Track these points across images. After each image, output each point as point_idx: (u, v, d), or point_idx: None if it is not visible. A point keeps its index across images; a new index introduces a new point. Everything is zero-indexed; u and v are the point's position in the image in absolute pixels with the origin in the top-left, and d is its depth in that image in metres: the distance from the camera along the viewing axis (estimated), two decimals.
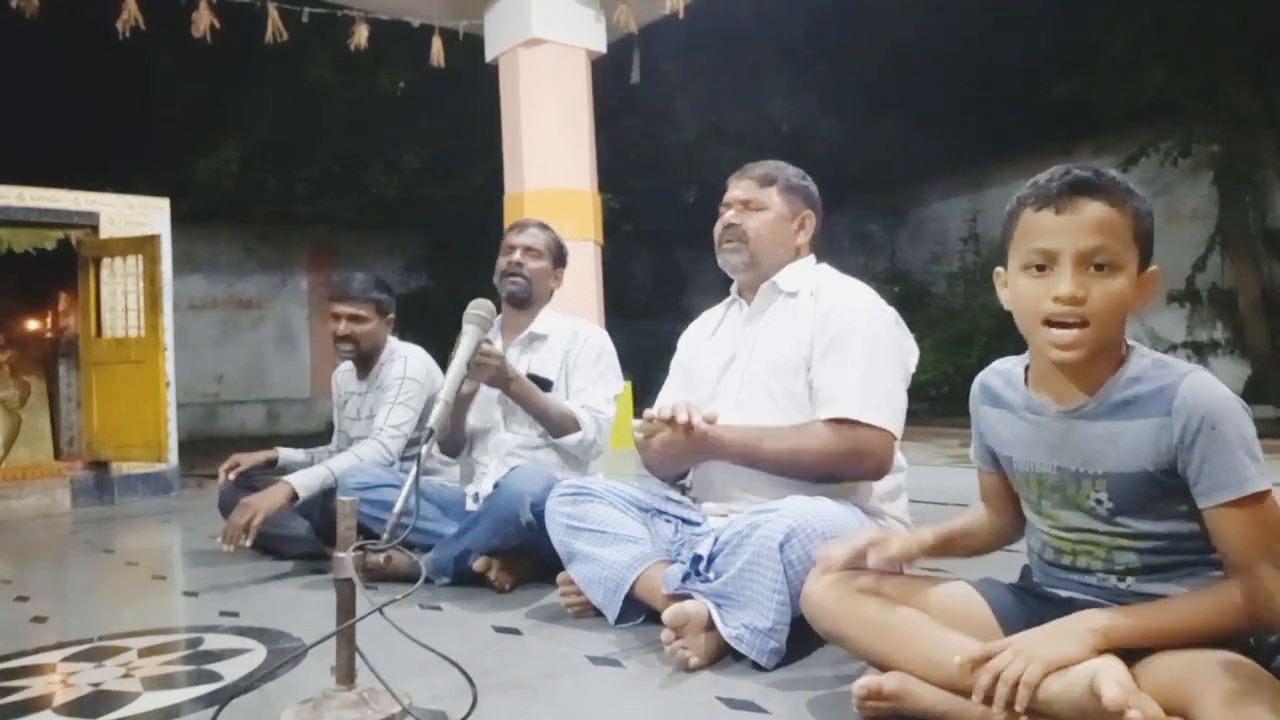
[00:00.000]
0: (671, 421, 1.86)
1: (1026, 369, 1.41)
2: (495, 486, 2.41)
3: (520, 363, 2.61)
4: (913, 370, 2.00)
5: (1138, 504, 1.29)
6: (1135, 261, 1.25)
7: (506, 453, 2.59)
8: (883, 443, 1.87)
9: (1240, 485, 1.19)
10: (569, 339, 2.66)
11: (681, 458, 1.95)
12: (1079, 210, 1.24)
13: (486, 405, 2.61)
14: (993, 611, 1.44)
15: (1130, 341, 1.32)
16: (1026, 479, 1.41)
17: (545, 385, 2.55)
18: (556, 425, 2.50)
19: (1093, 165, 1.28)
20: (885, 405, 1.87)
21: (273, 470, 3.11)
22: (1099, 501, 1.31)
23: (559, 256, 2.79)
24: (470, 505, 2.60)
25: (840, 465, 1.86)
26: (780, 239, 2.08)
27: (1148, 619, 1.24)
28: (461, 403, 2.49)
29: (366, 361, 3.15)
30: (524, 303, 2.70)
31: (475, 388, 2.47)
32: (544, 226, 2.80)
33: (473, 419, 2.64)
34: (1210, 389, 1.23)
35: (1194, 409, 1.22)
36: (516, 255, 2.69)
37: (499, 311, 2.48)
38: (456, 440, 2.65)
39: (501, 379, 2.38)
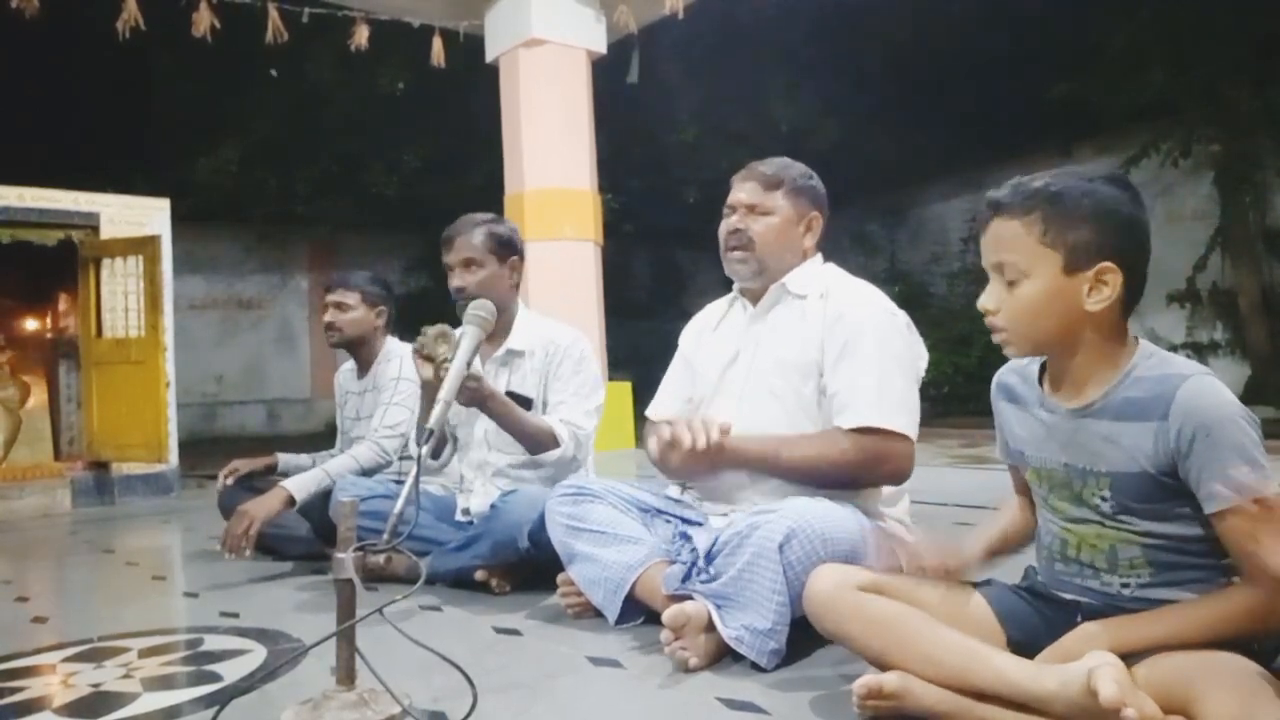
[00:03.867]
0: (693, 447, 1.81)
1: (1043, 366, 1.42)
2: (493, 508, 2.40)
3: (498, 380, 2.53)
4: (923, 373, 2.00)
5: (1139, 504, 1.29)
6: (1053, 265, 1.28)
7: (494, 472, 2.55)
8: (902, 448, 1.86)
9: (1236, 493, 1.19)
10: (546, 350, 2.53)
11: (700, 470, 1.94)
12: (987, 229, 1.35)
13: (469, 419, 2.54)
14: (995, 613, 1.44)
15: (1140, 339, 1.33)
16: (1038, 474, 1.42)
17: (525, 403, 2.47)
18: (534, 442, 2.41)
19: (1022, 178, 1.33)
20: (902, 410, 1.87)
21: (272, 475, 3.11)
22: (1103, 499, 1.32)
23: (505, 248, 2.56)
24: (460, 516, 2.58)
25: (860, 472, 1.86)
26: (787, 244, 2.06)
27: (1152, 630, 1.25)
28: (429, 386, 2.33)
29: (357, 355, 3.17)
30: None
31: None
32: (476, 224, 2.56)
33: (458, 434, 2.59)
34: (1207, 395, 1.22)
35: (1189, 415, 1.22)
36: (454, 279, 2.51)
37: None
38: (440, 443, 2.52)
39: (479, 397, 2.28)
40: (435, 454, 2.59)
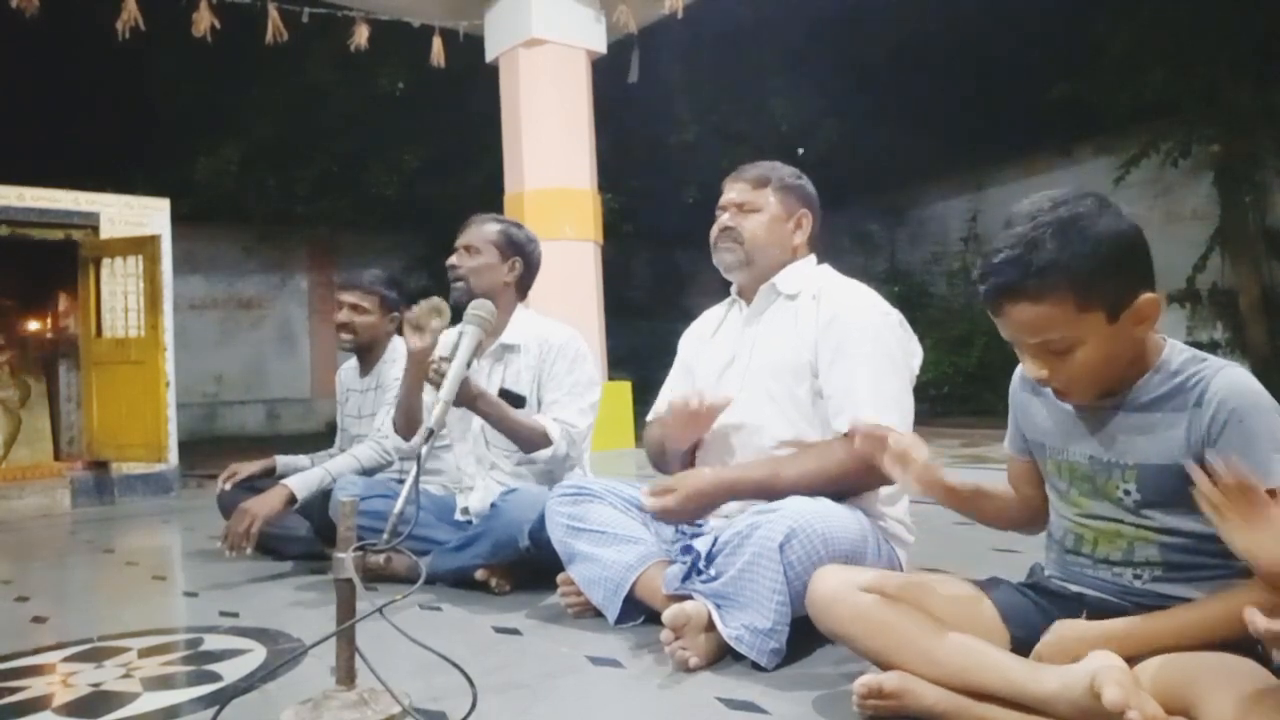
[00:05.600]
0: (687, 411, 1.88)
1: None
2: (493, 507, 2.39)
3: (493, 375, 2.53)
4: (917, 372, 2.00)
5: (1165, 497, 1.29)
6: (1098, 322, 1.24)
7: (490, 466, 2.55)
8: None
9: (1263, 480, 1.16)
10: (540, 347, 2.52)
11: (704, 508, 1.94)
12: (1006, 314, 1.28)
13: (466, 416, 2.52)
14: (998, 611, 1.44)
15: (1166, 337, 1.32)
16: (1058, 467, 1.42)
17: (518, 401, 2.47)
18: (525, 441, 2.41)
19: (1013, 251, 1.24)
20: (896, 409, 1.87)
21: (271, 478, 3.11)
22: (1126, 492, 1.32)
23: (510, 247, 2.59)
24: (459, 516, 2.58)
25: (858, 478, 1.85)
26: (776, 239, 2.07)
27: (1155, 630, 1.24)
28: (412, 394, 2.40)
29: (366, 356, 3.16)
30: None
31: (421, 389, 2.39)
32: (494, 219, 2.64)
33: (455, 430, 2.60)
34: (1242, 384, 1.23)
35: (1223, 402, 1.22)
36: (453, 258, 2.57)
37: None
38: (410, 427, 2.48)
39: (467, 397, 2.27)
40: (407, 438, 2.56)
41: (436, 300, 2.27)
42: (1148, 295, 1.25)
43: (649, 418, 2.30)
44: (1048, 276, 1.22)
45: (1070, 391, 1.33)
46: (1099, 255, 1.22)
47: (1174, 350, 1.31)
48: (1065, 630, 1.30)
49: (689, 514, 1.94)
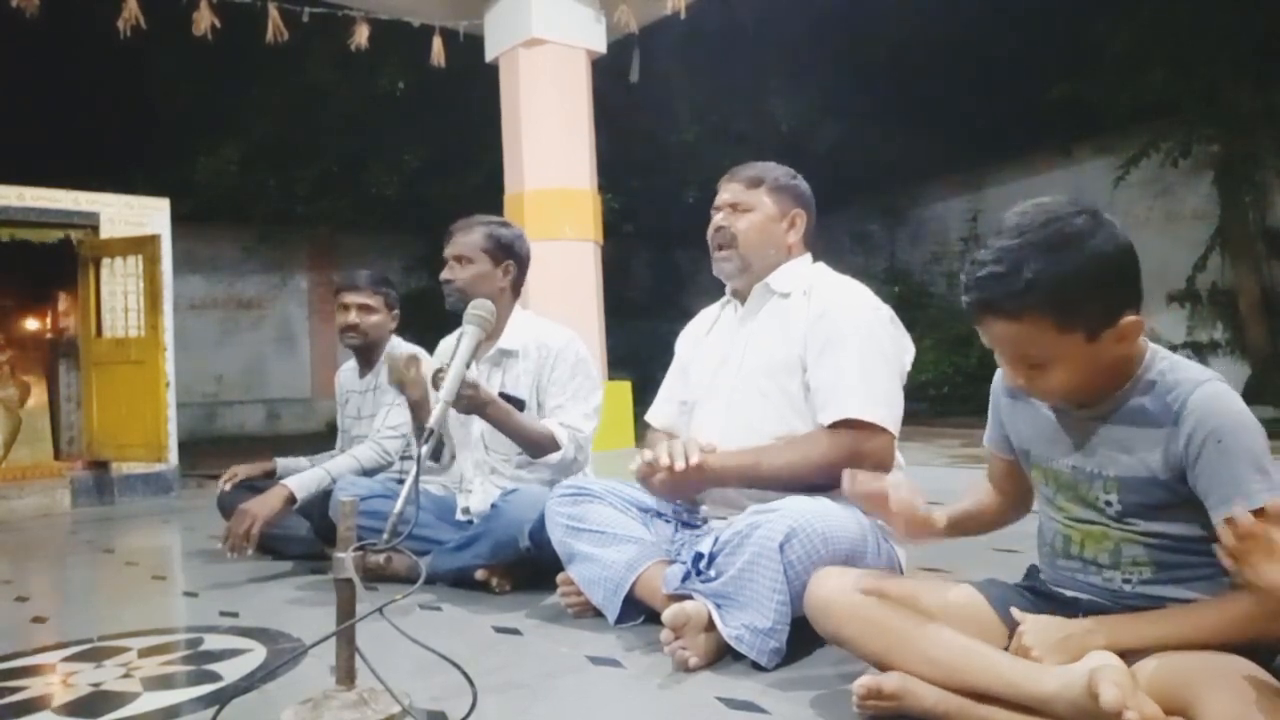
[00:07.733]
0: (671, 468, 1.85)
1: None
2: (493, 507, 2.40)
3: (491, 380, 2.52)
4: (908, 368, 2.00)
5: (1146, 508, 1.29)
6: (1076, 342, 1.23)
7: (490, 470, 2.55)
8: (882, 442, 1.87)
9: (1244, 500, 1.17)
10: (539, 351, 2.52)
11: (685, 491, 1.95)
12: (987, 327, 1.28)
13: (466, 420, 2.52)
14: (996, 613, 1.43)
15: (1147, 342, 1.31)
16: (1044, 474, 1.42)
17: (517, 405, 2.46)
18: (534, 446, 2.40)
19: (997, 267, 1.23)
20: (884, 404, 1.87)
21: (271, 480, 3.11)
22: (1108, 503, 1.32)
23: (501, 250, 2.57)
24: (460, 516, 2.59)
25: (841, 469, 1.86)
26: (770, 239, 2.08)
27: (1151, 632, 1.24)
28: (418, 407, 2.39)
29: (366, 356, 3.16)
30: None
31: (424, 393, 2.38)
32: (478, 224, 2.60)
33: (455, 434, 2.60)
34: (1219, 402, 1.22)
35: (1201, 422, 1.22)
36: (445, 272, 2.55)
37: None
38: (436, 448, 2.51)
39: (476, 405, 2.26)
40: (435, 456, 2.59)
41: (404, 353, 2.30)
42: (1130, 318, 1.23)
43: (647, 417, 2.31)
44: (1027, 298, 1.21)
45: (1047, 399, 1.34)
46: (1083, 279, 1.20)
47: (1155, 358, 1.30)
48: (1054, 628, 1.29)
49: (671, 494, 1.96)
